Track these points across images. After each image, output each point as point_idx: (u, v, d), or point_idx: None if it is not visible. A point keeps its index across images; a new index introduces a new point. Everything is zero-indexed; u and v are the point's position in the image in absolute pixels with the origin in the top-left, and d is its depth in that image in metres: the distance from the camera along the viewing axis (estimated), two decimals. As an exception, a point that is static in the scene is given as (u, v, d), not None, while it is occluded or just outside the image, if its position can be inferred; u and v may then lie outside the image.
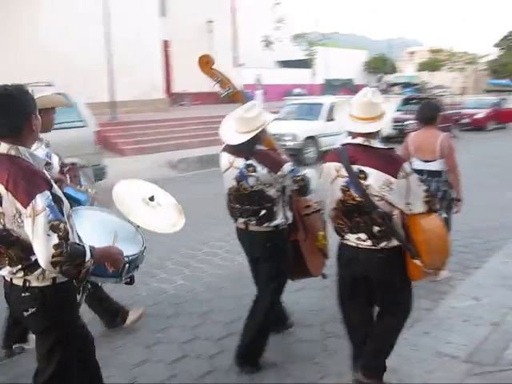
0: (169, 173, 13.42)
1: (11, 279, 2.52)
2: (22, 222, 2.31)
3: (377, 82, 54.07)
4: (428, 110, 5.23)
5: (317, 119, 15.05)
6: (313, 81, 31.57)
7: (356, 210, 3.17)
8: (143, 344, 4.26)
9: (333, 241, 3.78)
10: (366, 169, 3.09)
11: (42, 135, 3.64)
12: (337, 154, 3.28)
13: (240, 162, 3.67)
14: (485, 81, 65.39)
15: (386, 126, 17.59)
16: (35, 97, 2.65)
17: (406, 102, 22.43)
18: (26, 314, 2.51)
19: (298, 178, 3.63)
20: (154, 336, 4.39)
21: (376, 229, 3.13)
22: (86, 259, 2.32)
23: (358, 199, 3.13)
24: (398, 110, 21.34)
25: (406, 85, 46.15)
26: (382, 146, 3.24)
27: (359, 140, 3.18)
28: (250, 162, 3.64)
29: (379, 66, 54.19)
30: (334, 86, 42.29)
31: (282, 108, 17.20)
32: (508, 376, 3.47)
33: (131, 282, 2.95)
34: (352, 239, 3.24)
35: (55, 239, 2.24)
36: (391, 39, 44.74)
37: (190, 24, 29.27)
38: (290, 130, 14.35)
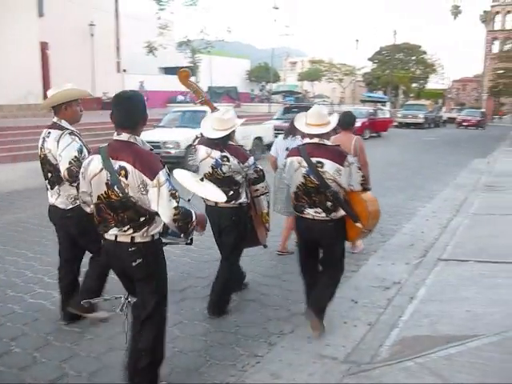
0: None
1: (116, 238, 3.25)
2: (146, 191, 3.08)
3: (259, 90, 55.28)
4: (348, 118, 6.32)
5: (199, 127, 15.01)
6: (197, 88, 31.59)
7: (314, 191, 4.30)
8: (16, 366, 3.99)
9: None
10: (323, 160, 4.22)
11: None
12: (298, 151, 4.41)
13: (217, 154, 4.70)
14: (362, 91, 69.00)
15: (268, 135, 18.07)
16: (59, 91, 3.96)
17: (288, 110, 23.01)
18: (134, 264, 3.24)
19: (258, 169, 4.86)
20: (30, 356, 4.13)
21: (329, 204, 4.28)
22: (193, 219, 3.18)
23: (316, 182, 4.25)
24: (279, 119, 21.90)
25: (287, 93, 47.50)
26: (332, 144, 4.43)
27: (315, 140, 4.34)
28: (224, 153, 4.67)
29: (262, 74, 55.42)
30: (217, 94, 42.59)
31: (165, 115, 17.02)
32: (382, 372, 3.64)
33: (191, 243, 3.65)
34: (311, 212, 4.35)
35: (174, 203, 3.06)
36: (275, 48, 45.84)
37: (70, 26, 28.22)
38: (173, 137, 14.22)
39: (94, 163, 3.22)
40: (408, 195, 11.02)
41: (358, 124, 27.36)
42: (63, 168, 4.12)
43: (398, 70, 72.97)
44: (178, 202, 3.08)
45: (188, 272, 6.09)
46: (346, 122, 6.34)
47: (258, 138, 17.48)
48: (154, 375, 3.42)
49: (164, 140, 14.08)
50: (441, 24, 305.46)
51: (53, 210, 4.50)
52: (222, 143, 4.70)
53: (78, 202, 3.95)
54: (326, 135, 4.37)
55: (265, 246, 5.53)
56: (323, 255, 4.61)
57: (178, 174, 4.03)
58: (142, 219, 3.19)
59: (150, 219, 3.22)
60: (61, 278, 4.66)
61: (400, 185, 12.32)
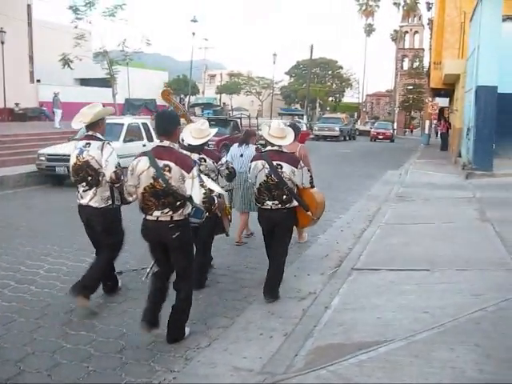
0: None
1: (157, 218, 4.40)
2: (183, 181, 4.30)
3: (178, 102, 55.03)
4: (294, 129, 6.70)
5: (117, 140, 14.68)
6: (114, 100, 30.94)
7: (274, 187, 5.51)
8: None
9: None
10: (282, 163, 5.49)
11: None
12: (261, 156, 5.71)
13: (195, 156, 5.62)
14: (279, 105, 70.14)
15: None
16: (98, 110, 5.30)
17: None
18: (173, 236, 4.41)
19: (230, 167, 6.11)
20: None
21: (284, 197, 5.52)
22: (216, 202, 4.47)
23: (276, 180, 5.47)
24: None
25: (206, 106, 47.48)
26: (287, 151, 5.81)
27: (276, 147, 5.64)
28: (202, 156, 5.83)
29: (181, 87, 55.27)
30: (135, 106, 42.05)
31: (81, 128, 16.56)
32: (296, 382, 3.70)
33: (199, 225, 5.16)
34: (270, 204, 5.57)
35: (203, 190, 4.30)
36: (195, 61, 45.92)
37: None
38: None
39: (141, 163, 4.40)
40: (324, 207, 11.25)
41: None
42: (110, 171, 5.07)
43: (315, 84, 74.89)
44: (205, 189, 4.31)
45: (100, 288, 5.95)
46: (295, 133, 6.87)
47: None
48: (186, 317, 4.70)
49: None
50: (356, 40, 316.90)
51: (85, 209, 5.29)
52: (200, 148, 5.85)
53: (109, 202, 5.24)
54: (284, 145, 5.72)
55: (227, 235, 6.41)
56: (274, 242, 5.72)
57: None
58: (178, 203, 4.38)
59: (184, 203, 4.40)
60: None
61: (316, 196, 12.50)
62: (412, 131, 67.71)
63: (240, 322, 5.08)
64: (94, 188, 5.19)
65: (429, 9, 41.50)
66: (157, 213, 4.39)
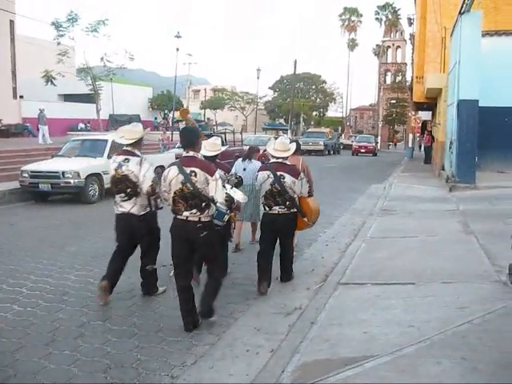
0: None
1: (186, 218, 5.10)
2: (207, 183, 5.06)
3: (162, 118, 55.03)
4: (297, 146, 7.44)
5: (101, 156, 14.63)
6: (98, 116, 30.86)
7: (278, 194, 6.39)
8: None
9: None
10: (284, 174, 6.41)
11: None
12: (266, 167, 6.72)
13: None
14: (264, 119, 70.40)
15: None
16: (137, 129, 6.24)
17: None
18: (201, 235, 5.10)
19: (238, 176, 6.52)
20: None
21: (287, 203, 6.42)
22: (234, 202, 5.35)
23: (279, 189, 6.37)
24: (181, 147, 21.87)
25: (190, 121, 47.40)
26: (290, 164, 6.73)
27: (280, 160, 6.57)
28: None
29: (165, 102, 55.26)
30: (119, 122, 41.91)
31: (65, 144, 16.47)
32: (283, 400, 3.68)
33: (220, 228, 5.53)
34: (277, 208, 6.44)
35: (224, 191, 5.18)
36: (179, 76, 45.90)
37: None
38: (73, 167, 13.80)
39: (171, 171, 5.19)
40: (309, 221, 11.26)
41: (260, 152, 28.43)
42: (146, 186, 5.81)
43: (299, 98, 75.36)
44: (226, 192, 5.21)
45: (88, 306, 5.89)
46: (296, 148, 7.45)
47: (161, 167, 17.33)
48: (214, 297, 5.35)
49: (63, 170, 13.62)
50: (339, 55, 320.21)
51: (126, 217, 5.97)
52: (213, 159, 6.32)
53: (147, 209, 6.00)
54: (286, 158, 6.64)
55: (230, 241, 7.14)
56: (281, 241, 6.71)
57: None
58: (203, 204, 5.08)
59: (208, 204, 5.10)
60: (111, 266, 6.06)
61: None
62: (396, 145, 68.24)
63: (226, 338, 5.04)
64: (134, 198, 5.91)
65: (410, 24, 41.97)
66: (186, 213, 5.12)
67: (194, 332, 5.18)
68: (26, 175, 14.01)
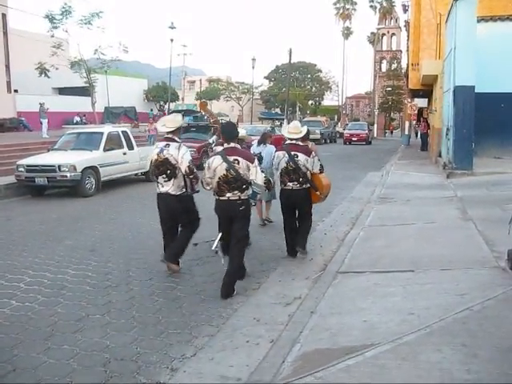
0: None
1: (228, 198, 6.02)
2: (248, 169, 5.99)
3: (158, 109, 54.84)
4: (307, 134, 7.86)
5: (97, 149, 14.56)
6: (93, 109, 30.71)
7: (292, 172, 7.21)
8: None
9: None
10: (298, 153, 7.21)
11: None
12: (282, 148, 7.56)
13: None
14: (260, 109, 70.15)
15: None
16: (177, 119, 7.17)
17: (187, 129, 22.97)
18: (240, 209, 6.04)
19: (257, 154, 8.18)
20: None
21: (301, 179, 7.22)
22: (272, 182, 6.58)
23: (294, 166, 7.18)
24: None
25: (186, 112, 47.30)
26: (303, 144, 7.47)
27: (294, 141, 7.39)
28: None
29: (160, 94, 55.05)
30: (114, 114, 41.73)
31: (61, 137, 16.39)
32: (284, 390, 3.67)
33: (255, 204, 7.88)
34: (291, 185, 7.28)
35: (263, 174, 6.15)
36: (174, 68, 45.70)
37: None
38: (68, 160, 13.72)
39: (216, 160, 6.05)
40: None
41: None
42: (185, 165, 6.55)
43: (295, 87, 75.10)
44: (264, 174, 6.29)
45: (86, 300, 5.86)
46: (305, 137, 8.01)
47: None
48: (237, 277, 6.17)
49: (59, 163, 13.55)
50: (334, 43, 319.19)
51: (165, 196, 6.74)
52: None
53: (183, 190, 6.70)
54: (301, 139, 7.45)
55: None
56: (299, 213, 7.50)
57: None
58: (243, 186, 6.05)
59: (247, 186, 6.10)
60: (165, 241, 6.96)
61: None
62: (392, 132, 68.19)
63: (225, 329, 5.03)
64: (173, 179, 6.65)
65: (405, 11, 41.80)
66: (228, 194, 6.05)
67: (194, 323, 5.17)
68: (22, 169, 13.92)
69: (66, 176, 13.47)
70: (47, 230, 9.66)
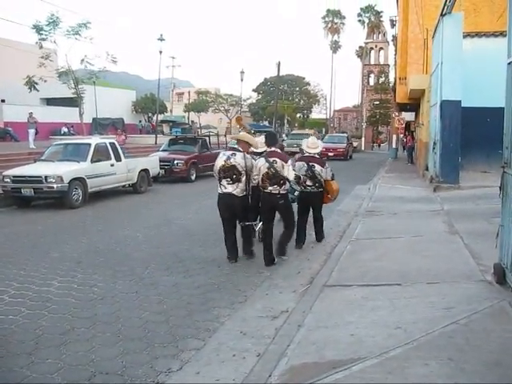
0: None
1: (270, 191, 7.74)
2: (283, 168, 7.65)
3: (146, 121, 54.75)
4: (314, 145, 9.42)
5: (84, 160, 14.49)
6: (81, 120, 30.58)
7: (309, 179, 8.90)
8: None
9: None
10: (315, 164, 8.96)
11: None
12: (302, 159, 9.15)
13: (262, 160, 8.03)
14: (248, 121, 70.17)
15: (154, 167, 17.90)
16: (243, 133, 10.03)
17: (174, 142, 22.92)
18: (280, 202, 7.77)
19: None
20: None
21: (316, 184, 8.94)
22: (301, 179, 8.65)
23: (311, 174, 8.87)
24: (165, 150, 21.65)
25: (175, 124, 47.26)
26: (319, 157, 9.26)
27: (312, 154, 9.12)
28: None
29: (149, 105, 54.95)
30: (102, 125, 41.58)
31: (47, 148, 16.28)
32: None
33: (294, 201, 9.14)
34: (309, 188, 8.94)
35: (294, 172, 7.86)
36: (163, 79, 45.69)
37: None
38: (56, 171, 13.63)
39: (260, 161, 7.80)
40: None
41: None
42: (291, 176, 7.79)
43: (283, 100, 75.36)
44: (295, 173, 7.84)
45: (72, 313, 5.80)
46: (314, 148, 9.47)
47: (144, 171, 17.27)
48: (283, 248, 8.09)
49: (46, 174, 13.45)
50: (322, 57, 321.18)
51: (227, 196, 7.88)
52: (261, 153, 8.61)
53: (245, 192, 7.94)
54: (316, 153, 9.17)
55: None
56: (313, 212, 9.28)
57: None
58: (281, 181, 7.64)
59: (284, 182, 7.71)
60: (226, 239, 8.10)
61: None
62: (379, 145, 68.52)
63: (212, 343, 4.99)
64: (237, 183, 7.86)
65: (393, 26, 42.28)
66: (270, 188, 7.73)
67: (180, 336, 5.13)
68: (8, 180, 13.80)
69: (53, 187, 13.37)
70: (33, 241, 9.57)
